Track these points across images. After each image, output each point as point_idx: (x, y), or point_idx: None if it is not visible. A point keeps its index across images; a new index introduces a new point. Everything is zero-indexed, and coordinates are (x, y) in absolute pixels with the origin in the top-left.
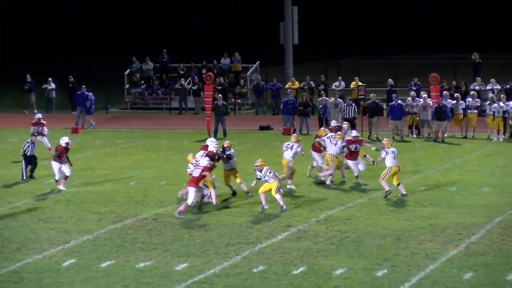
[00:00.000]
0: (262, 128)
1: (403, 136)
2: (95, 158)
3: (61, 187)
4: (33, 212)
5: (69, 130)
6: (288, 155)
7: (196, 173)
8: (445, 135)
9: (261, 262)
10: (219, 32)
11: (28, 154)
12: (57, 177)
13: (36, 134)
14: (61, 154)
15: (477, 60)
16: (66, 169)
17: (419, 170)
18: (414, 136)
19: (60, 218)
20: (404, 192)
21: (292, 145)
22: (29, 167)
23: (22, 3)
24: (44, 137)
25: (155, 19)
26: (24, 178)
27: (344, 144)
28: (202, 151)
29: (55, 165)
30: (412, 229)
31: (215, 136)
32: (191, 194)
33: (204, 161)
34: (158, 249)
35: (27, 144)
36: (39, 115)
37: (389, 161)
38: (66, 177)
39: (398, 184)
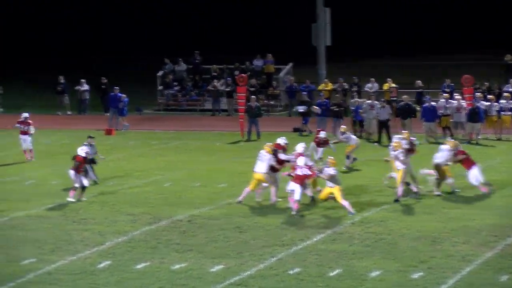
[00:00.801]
0: (296, 130)
1: (437, 137)
2: (128, 159)
3: (70, 198)
4: (67, 214)
5: (102, 132)
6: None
7: (301, 172)
8: (479, 137)
9: (296, 264)
10: (251, 33)
11: (89, 157)
12: (77, 185)
13: (21, 132)
14: (80, 165)
15: (509, 62)
16: (84, 180)
17: (452, 172)
18: (448, 138)
19: (94, 219)
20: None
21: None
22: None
23: (29, 3)
24: (28, 137)
25: (189, 18)
26: (95, 179)
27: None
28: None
29: (72, 174)
30: (446, 231)
31: (248, 138)
32: (297, 191)
33: (301, 161)
34: (192, 251)
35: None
36: (25, 114)
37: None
38: (83, 188)
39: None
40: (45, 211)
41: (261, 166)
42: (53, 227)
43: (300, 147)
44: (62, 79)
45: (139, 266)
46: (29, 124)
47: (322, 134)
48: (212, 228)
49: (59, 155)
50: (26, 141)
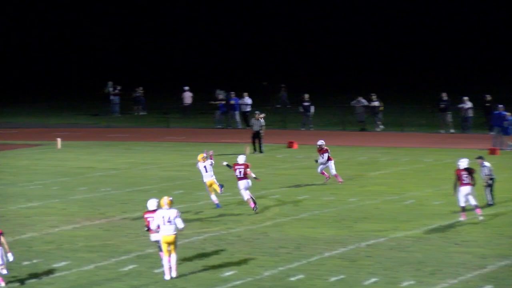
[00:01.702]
0: None
1: None
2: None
3: (462, 218)
4: (448, 235)
5: (486, 151)
6: None
7: None
8: None
9: None
10: None
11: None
12: (491, 201)
13: (322, 163)
14: (469, 175)
15: None
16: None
17: None
18: None
19: (476, 241)
20: None
21: None
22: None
23: None
24: (325, 165)
25: None
26: (490, 203)
27: None
28: None
29: (466, 189)
30: None
31: None
32: None
33: None
34: None
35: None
36: (320, 142)
37: None
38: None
39: None
40: (425, 232)
41: None
42: (434, 248)
43: None
44: (445, 96)
45: None
46: (325, 151)
47: None
48: None
49: (440, 175)
50: (330, 168)
